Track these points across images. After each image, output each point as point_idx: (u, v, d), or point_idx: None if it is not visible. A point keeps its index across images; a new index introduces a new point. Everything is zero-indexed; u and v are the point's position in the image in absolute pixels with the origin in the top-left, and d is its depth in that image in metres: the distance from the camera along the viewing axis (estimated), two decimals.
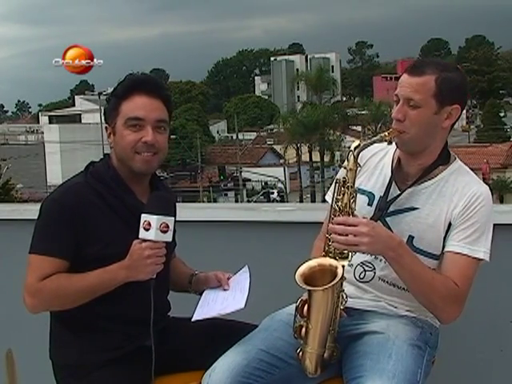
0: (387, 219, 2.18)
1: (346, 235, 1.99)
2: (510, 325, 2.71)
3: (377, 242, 2.00)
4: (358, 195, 2.18)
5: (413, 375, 2.03)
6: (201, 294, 2.35)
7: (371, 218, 2.14)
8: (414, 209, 2.16)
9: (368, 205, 2.22)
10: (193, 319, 2.20)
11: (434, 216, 2.14)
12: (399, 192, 2.19)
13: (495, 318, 2.71)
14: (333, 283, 2.00)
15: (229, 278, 2.35)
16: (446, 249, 2.13)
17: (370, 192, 2.24)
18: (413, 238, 2.15)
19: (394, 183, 2.21)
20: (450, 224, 2.13)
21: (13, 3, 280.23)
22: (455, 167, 2.21)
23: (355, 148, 2.08)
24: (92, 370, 2.14)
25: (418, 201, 2.16)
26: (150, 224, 2.05)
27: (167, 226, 2.06)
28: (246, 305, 2.15)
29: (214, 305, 2.25)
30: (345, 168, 2.09)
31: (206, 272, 2.39)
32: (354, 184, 2.08)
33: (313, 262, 2.08)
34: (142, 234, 2.07)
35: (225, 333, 2.24)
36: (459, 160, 2.25)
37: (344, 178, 2.08)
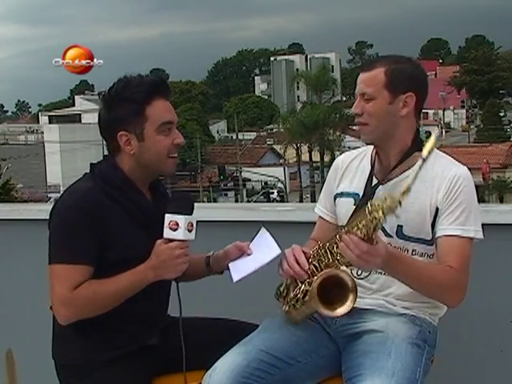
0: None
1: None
2: (510, 325, 2.71)
3: (381, 261, 1.98)
4: (343, 198, 2.29)
5: (412, 373, 2.04)
6: (221, 273, 2.35)
7: (355, 210, 2.19)
8: None
9: (354, 205, 2.25)
10: (234, 280, 2.18)
11: (418, 203, 2.17)
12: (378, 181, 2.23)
13: (495, 318, 2.71)
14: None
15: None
16: (438, 234, 2.16)
17: (355, 193, 2.28)
18: (401, 226, 2.18)
19: (375, 178, 2.25)
20: (437, 209, 2.17)
21: (12, 3, 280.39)
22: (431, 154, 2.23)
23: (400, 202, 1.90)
24: (95, 369, 2.14)
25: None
26: (177, 224, 2.06)
27: (192, 225, 2.09)
28: (280, 250, 2.16)
29: (247, 263, 2.23)
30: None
31: (223, 248, 2.37)
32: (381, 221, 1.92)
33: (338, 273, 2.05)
34: (169, 233, 2.08)
35: (226, 332, 2.26)
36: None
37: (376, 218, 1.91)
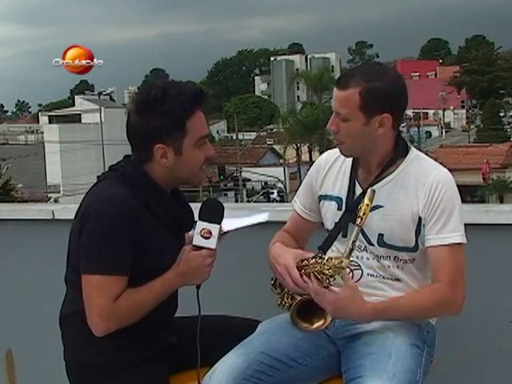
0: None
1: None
2: (509, 325, 2.70)
3: (340, 313, 2.07)
4: (327, 201, 2.28)
5: (412, 374, 2.04)
6: None
7: (340, 221, 2.22)
8: (379, 207, 2.17)
9: (338, 209, 2.25)
10: (224, 230, 2.19)
11: (399, 211, 2.16)
12: (362, 191, 2.21)
13: (495, 318, 2.71)
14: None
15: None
16: (426, 244, 2.15)
17: (338, 197, 2.26)
18: (382, 235, 2.18)
19: (357, 184, 2.24)
20: (419, 218, 2.15)
21: (11, 3, 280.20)
22: (411, 158, 2.22)
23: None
24: (124, 370, 2.14)
25: (381, 198, 2.17)
26: (210, 232, 2.07)
27: (220, 234, 2.10)
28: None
29: (233, 221, 2.24)
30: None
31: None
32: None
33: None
34: (200, 241, 2.07)
35: (229, 330, 2.28)
36: (414, 149, 2.26)
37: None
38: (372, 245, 2.19)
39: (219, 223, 2.08)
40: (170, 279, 2.11)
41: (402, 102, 2.18)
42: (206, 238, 2.06)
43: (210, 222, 2.07)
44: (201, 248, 2.08)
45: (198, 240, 2.07)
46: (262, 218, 2.23)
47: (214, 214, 2.09)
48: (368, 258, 2.20)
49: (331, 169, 2.31)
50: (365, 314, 2.05)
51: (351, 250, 2.09)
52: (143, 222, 2.09)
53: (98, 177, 2.25)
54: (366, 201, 2.09)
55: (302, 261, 2.15)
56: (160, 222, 2.15)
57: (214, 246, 2.08)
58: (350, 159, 2.28)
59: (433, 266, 2.14)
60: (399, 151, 2.21)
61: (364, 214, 2.07)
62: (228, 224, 2.23)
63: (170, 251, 2.13)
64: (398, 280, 2.20)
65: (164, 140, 2.10)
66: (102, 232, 2.05)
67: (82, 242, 2.10)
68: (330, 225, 2.28)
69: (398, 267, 2.19)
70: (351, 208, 2.20)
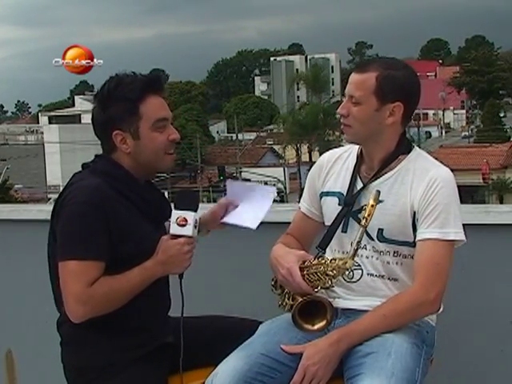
0: (359, 215, 2.20)
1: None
2: (510, 325, 2.71)
3: (325, 364, 2.06)
4: (328, 197, 2.30)
5: (411, 374, 2.04)
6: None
7: (338, 215, 2.22)
8: (379, 202, 2.17)
9: (339, 205, 2.27)
10: (255, 227, 2.27)
11: (398, 206, 2.18)
12: (363, 185, 2.23)
13: (495, 318, 2.71)
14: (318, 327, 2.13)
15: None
16: (417, 238, 2.16)
17: (339, 192, 2.28)
18: (382, 230, 2.19)
19: (359, 179, 2.25)
20: (414, 213, 2.16)
21: (7, 4, 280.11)
22: (414, 155, 2.24)
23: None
24: (121, 370, 2.13)
25: (381, 193, 2.18)
26: (186, 220, 2.09)
27: (197, 222, 2.12)
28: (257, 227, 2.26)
29: (251, 211, 2.33)
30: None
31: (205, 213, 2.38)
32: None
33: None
34: (176, 229, 2.10)
35: (227, 330, 2.28)
36: (418, 148, 2.28)
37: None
38: (372, 239, 2.20)
39: (194, 211, 2.11)
40: (149, 268, 2.11)
41: (414, 96, 2.22)
42: (182, 226, 2.09)
43: (185, 210, 2.10)
44: (179, 236, 2.10)
45: (174, 229, 2.10)
46: (271, 195, 2.32)
47: (188, 202, 2.12)
48: (368, 257, 2.21)
49: (333, 167, 2.34)
50: (331, 344, 2.08)
51: (356, 251, 2.10)
52: (119, 209, 2.12)
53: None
54: (371, 201, 2.10)
55: (304, 262, 2.16)
56: (137, 209, 2.17)
57: (190, 233, 2.10)
58: (354, 157, 2.30)
59: (415, 260, 2.15)
60: (402, 148, 2.23)
61: (369, 214, 2.08)
62: (231, 216, 2.33)
63: (150, 238, 2.14)
64: (395, 280, 2.21)
65: (120, 126, 2.16)
66: (76, 219, 2.08)
67: (58, 230, 2.13)
68: (329, 220, 2.29)
69: (397, 263, 2.20)
70: (349, 202, 2.23)
